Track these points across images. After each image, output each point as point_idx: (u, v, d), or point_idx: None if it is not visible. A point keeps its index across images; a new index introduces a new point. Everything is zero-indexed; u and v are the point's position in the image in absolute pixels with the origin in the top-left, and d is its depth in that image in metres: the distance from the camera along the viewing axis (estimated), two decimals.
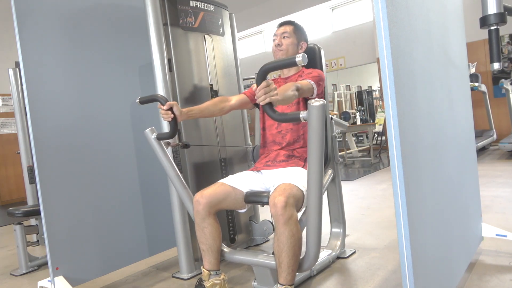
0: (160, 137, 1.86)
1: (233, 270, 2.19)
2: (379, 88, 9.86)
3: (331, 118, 2.13)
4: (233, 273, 2.14)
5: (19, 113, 3.20)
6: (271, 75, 8.87)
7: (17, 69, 3.21)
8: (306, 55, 1.29)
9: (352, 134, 7.68)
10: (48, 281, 1.88)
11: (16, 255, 2.66)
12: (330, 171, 2.11)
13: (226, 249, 1.83)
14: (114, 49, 2.22)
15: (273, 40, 2.00)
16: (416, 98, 1.21)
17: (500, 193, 3.24)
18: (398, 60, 1.08)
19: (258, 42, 9.69)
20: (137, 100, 1.85)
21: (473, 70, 5.75)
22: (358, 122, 8.83)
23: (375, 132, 7.08)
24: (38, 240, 3.11)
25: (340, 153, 6.67)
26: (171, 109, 1.72)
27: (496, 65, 1.63)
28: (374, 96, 9.95)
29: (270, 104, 1.40)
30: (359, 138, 9.48)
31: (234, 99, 2.00)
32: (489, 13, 1.59)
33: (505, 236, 1.95)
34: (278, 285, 1.58)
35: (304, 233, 1.62)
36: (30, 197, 3.23)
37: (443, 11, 1.61)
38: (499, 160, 4.95)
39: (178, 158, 2.12)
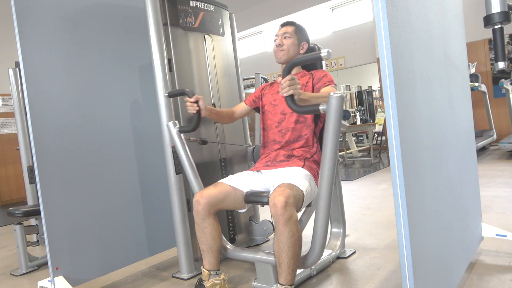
0: (182, 130, 2.00)
1: (233, 270, 2.19)
2: (379, 88, 9.86)
3: None
4: (233, 273, 2.14)
5: (19, 113, 3.20)
6: (271, 76, 8.80)
7: (17, 69, 3.20)
8: (330, 51, 1.40)
9: (352, 134, 7.69)
10: (48, 281, 1.88)
11: (16, 255, 2.66)
12: None
13: (229, 246, 1.85)
14: (114, 49, 2.22)
15: (275, 41, 2.01)
16: (416, 98, 1.21)
17: (500, 193, 3.24)
18: (398, 60, 1.08)
19: (258, 42, 9.69)
20: (166, 94, 2.01)
21: (473, 70, 5.76)
22: (358, 122, 8.83)
23: (375, 132, 7.08)
24: (38, 240, 3.11)
25: (340, 153, 6.70)
26: (197, 102, 1.86)
27: (501, 64, 1.62)
28: (374, 96, 9.96)
29: (291, 96, 1.52)
30: (359, 138, 9.49)
31: (239, 111, 2.15)
32: (493, 12, 1.58)
33: (505, 236, 1.95)
34: (278, 285, 1.58)
35: (304, 232, 1.62)
36: (30, 197, 3.23)
37: (443, 11, 1.61)
38: (499, 160, 4.95)
39: (178, 158, 2.12)
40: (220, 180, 1.84)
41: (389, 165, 5.56)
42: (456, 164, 1.64)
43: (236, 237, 2.48)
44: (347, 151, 7.03)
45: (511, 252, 1.99)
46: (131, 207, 2.24)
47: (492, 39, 6.08)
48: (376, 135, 7.74)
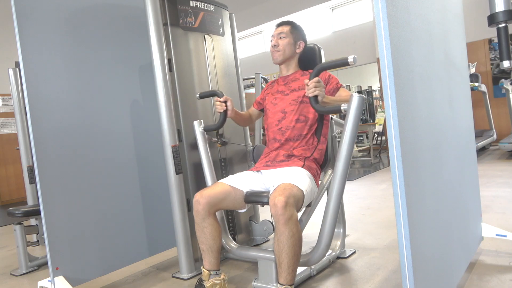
0: (207, 129, 2.13)
1: (233, 270, 2.19)
2: (379, 88, 9.86)
3: (331, 118, 2.14)
4: (233, 273, 2.14)
5: (19, 113, 3.20)
6: (271, 76, 8.80)
7: (17, 69, 3.20)
8: (356, 57, 1.51)
9: None
10: (48, 281, 1.88)
11: (16, 255, 2.66)
12: (330, 171, 2.10)
13: (233, 244, 1.85)
14: (114, 49, 2.22)
15: (271, 41, 2.01)
16: (416, 98, 1.21)
17: (500, 193, 3.24)
18: (398, 60, 1.08)
19: (258, 42, 9.70)
20: (197, 95, 2.13)
21: (473, 70, 5.76)
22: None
23: (375, 132, 7.08)
24: (38, 240, 3.11)
25: None
26: (225, 102, 1.99)
27: (506, 63, 1.60)
28: (374, 96, 9.95)
29: (315, 97, 1.66)
30: (359, 138, 9.46)
31: (253, 115, 2.24)
32: (497, 10, 1.57)
33: (505, 236, 1.95)
34: (278, 285, 1.58)
35: (304, 232, 1.62)
36: (30, 197, 3.23)
37: (443, 11, 1.61)
38: (499, 160, 4.95)
39: (178, 158, 2.12)
40: (220, 180, 1.84)
41: (389, 165, 5.56)
42: (456, 164, 1.64)
43: (236, 237, 2.47)
44: None
45: (511, 252, 1.99)
46: (131, 207, 2.24)
47: (492, 39, 6.10)
48: (376, 135, 7.74)
